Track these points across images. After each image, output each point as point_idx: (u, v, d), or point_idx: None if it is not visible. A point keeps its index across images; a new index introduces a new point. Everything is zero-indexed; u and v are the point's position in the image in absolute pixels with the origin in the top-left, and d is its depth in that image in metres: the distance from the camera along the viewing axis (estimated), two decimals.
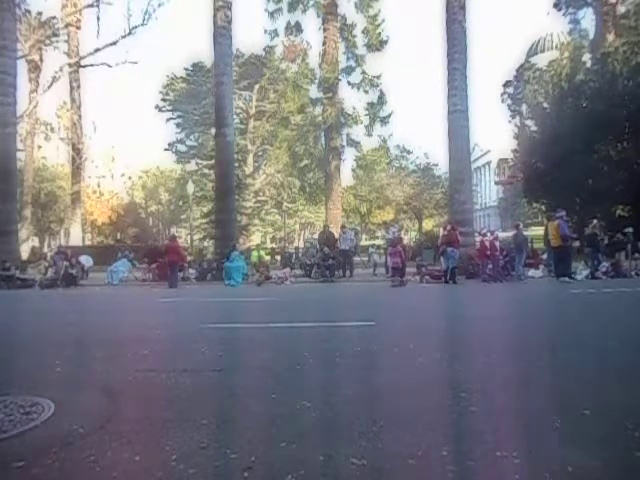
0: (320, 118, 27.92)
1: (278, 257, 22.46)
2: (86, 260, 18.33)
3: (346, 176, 38.06)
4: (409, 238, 34.02)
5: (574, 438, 2.33)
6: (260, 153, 41.69)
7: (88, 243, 34.29)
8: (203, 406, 2.98)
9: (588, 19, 50.95)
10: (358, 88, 27.86)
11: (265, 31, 27.50)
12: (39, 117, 28.66)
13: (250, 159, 39.82)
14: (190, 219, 31.38)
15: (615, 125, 19.05)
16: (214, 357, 4.46)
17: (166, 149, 47.95)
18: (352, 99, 60.08)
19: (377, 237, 53.03)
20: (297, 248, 27.26)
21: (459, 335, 5.70)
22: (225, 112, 18.01)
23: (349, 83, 27.98)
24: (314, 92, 28.73)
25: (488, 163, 58.84)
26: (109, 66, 25.40)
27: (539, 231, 22.01)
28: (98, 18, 25.34)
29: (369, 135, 28.72)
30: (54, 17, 28.77)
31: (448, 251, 13.03)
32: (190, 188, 24.35)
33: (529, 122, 28.70)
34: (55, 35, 28.87)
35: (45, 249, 34.77)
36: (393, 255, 13.00)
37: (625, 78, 20.20)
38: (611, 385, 3.28)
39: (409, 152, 38.10)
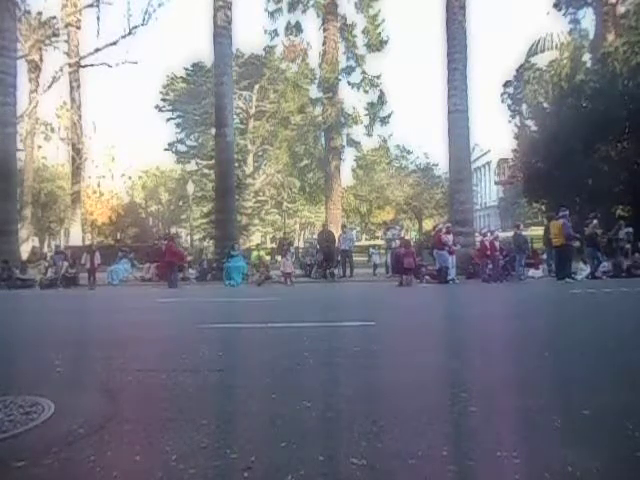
0: (320, 118, 27.92)
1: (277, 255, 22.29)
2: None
3: (346, 176, 38.03)
4: (409, 238, 33.99)
5: (574, 438, 2.32)
6: (260, 153, 41.69)
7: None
8: (203, 406, 2.98)
9: (588, 19, 50.98)
10: (358, 88, 27.89)
11: (265, 31, 27.59)
12: (39, 117, 28.61)
13: (250, 159, 39.83)
14: (190, 219, 31.45)
15: (615, 125, 18.99)
16: (214, 357, 4.46)
17: (166, 149, 48.02)
18: (352, 99, 60.16)
19: (377, 237, 53.02)
20: (297, 248, 27.21)
21: (459, 335, 5.70)
22: (225, 112, 18.01)
23: (349, 83, 28.03)
24: (314, 92, 28.80)
25: (488, 163, 58.81)
26: (109, 66, 25.39)
27: (539, 231, 21.98)
28: (98, 18, 25.34)
29: (369, 135, 28.78)
30: (54, 17, 28.74)
31: (434, 254, 13.67)
32: (190, 188, 24.39)
33: (529, 122, 28.66)
34: (55, 35, 28.82)
35: (45, 249, 34.77)
36: (406, 256, 12.97)
37: (625, 78, 20.16)
38: (611, 385, 3.28)
39: (409, 152, 38.14)
